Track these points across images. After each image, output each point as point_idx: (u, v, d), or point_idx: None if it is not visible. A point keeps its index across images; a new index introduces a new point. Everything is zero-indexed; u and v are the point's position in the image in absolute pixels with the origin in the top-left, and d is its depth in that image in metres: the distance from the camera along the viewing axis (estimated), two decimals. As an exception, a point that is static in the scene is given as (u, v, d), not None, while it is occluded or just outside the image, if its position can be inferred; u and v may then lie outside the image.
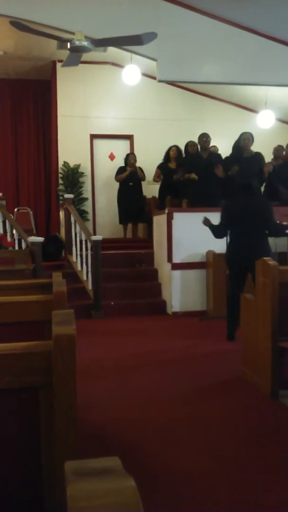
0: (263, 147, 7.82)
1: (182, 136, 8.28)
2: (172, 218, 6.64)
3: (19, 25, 5.35)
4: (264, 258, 3.52)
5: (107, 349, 4.93)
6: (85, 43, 5.55)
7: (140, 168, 8.62)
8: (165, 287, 6.96)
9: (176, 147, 8.07)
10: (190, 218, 6.64)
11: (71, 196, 7.92)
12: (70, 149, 9.37)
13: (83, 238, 6.83)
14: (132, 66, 7.95)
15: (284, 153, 7.75)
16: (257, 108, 9.38)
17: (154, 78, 7.11)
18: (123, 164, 8.71)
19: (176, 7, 6.58)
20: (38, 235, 7.57)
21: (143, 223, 8.99)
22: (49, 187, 10.00)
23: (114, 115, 9.54)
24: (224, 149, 7.84)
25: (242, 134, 6.97)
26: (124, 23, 6.29)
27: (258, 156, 7.03)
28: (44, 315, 2.02)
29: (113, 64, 9.30)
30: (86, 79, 9.27)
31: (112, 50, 8.11)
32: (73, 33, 5.74)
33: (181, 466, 2.42)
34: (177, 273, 6.65)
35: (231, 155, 7.26)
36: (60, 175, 9.41)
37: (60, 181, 9.41)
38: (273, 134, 9.22)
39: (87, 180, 9.49)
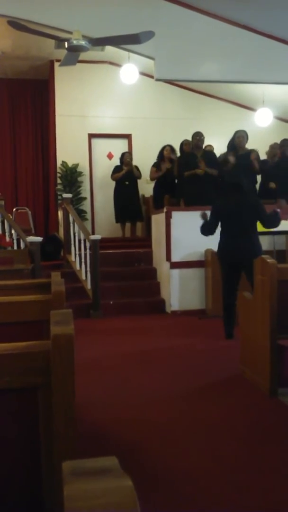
0: (261, 145, 7.83)
1: (180, 135, 8.28)
2: (170, 217, 6.64)
3: (16, 24, 5.34)
4: (262, 256, 3.52)
5: (106, 348, 4.93)
6: (82, 42, 5.54)
7: (136, 166, 8.64)
8: (164, 286, 6.96)
9: (170, 146, 8.09)
10: (188, 217, 6.64)
11: (69, 195, 7.91)
12: (68, 148, 9.37)
13: (82, 238, 6.83)
14: (130, 65, 7.94)
15: (279, 151, 7.76)
16: (255, 106, 9.38)
17: (152, 77, 7.10)
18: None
19: (173, 5, 6.58)
20: (36, 234, 7.57)
21: (140, 222, 8.99)
22: (47, 186, 9.99)
23: (112, 114, 9.54)
24: (223, 148, 7.85)
25: (236, 132, 6.98)
26: (121, 22, 6.28)
27: (253, 153, 7.05)
28: (43, 314, 2.02)
29: (111, 63, 9.29)
30: (84, 78, 9.26)
31: (109, 49, 8.09)
32: (70, 33, 5.73)
33: (181, 466, 2.43)
34: (176, 271, 6.65)
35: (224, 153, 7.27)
36: (58, 175, 9.41)
37: (59, 181, 9.40)
38: (271, 132, 9.22)
39: (85, 180, 9.49)
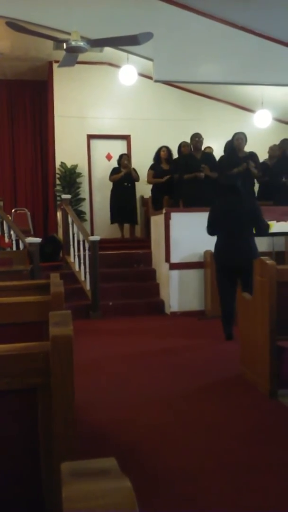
0: (260, 147, 7.84)
1: (179, 136, 8.28)
2: (169, 218, 6.65)
3: (15, 26, 5.34)
4: (261, 258, 3.53)
5: (106, 349, 4.93)
6: (81, 44, 5.54)
7: (133, 169, 8.66)
8: (163, 287, 6.96)
9: (167, 147, 8.09)
10: (187, 218, 6.65)
11: (68, 196, 7.92)
12: (67, 149, 9.37)
13: (81, 239, 6.83)
14: (129, 66, 7.95)
15: (277, 152, 7.77)
16: (254, 108, 9.39)
17: (150, 78, 7.11)
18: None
19: (172, 7, 6.59)
20: (35, 236, 7.56)
21: (134, 224, 9.00)
22: (46, 187, 9.99)
23: (111, 115, 9.54)
24: (222, 149, 7.86)
25: (235, 135, 6.97)
26: (120, 23, 6.29)
27: (253, 156, 7.05)
28: (42, 316, 2.02)
29: (110, 64, 9.30)
30: (82, 79, 9.27)
31: (108, 50, 8.11)
32: (69, 34, 5.73)
33: (180, 466, 2.43)
34: (175, 273, 6.66)
35: (225, 156, 7.27)
36: (57, 176, 9.41)
37: (58, 182, 9.40)
38: (270, 133, 9.22)
39: (84, 181, 9.49)
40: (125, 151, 9.44)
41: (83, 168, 9.48)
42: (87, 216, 9.48)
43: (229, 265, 4.81)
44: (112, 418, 3.08)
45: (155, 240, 7.40)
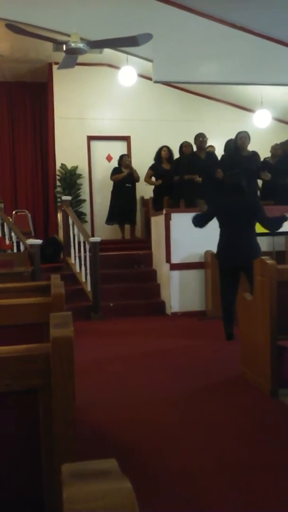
0: (260, 147, 7.83)
1: (179, 137, 8.28)
2: (170, 218, 6.65)
3: (14, 27, 5.35)
4: (262, 257, 3.53)
5: (106, 350, 4.93)
6: (80, 45, 5.55)
7: (134, 169, 8.68)
8: (164, 288, 6.96)
9: (167, 147, 8.08)
10: (188, 219, 6.63)
11: (68, 198, 7.92)
12: (67, 151, 9.38)
13: (82, 240, 6.84)
14: (128, 67, 7.95)
15: (279, 151, 7.76)
16: (254, 108, 9.40)
17: (150, 79, 7.12)
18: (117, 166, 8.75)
19: (171, 8, 6.60)
20: (36, 237, 7.57)
21: (132, 225, 9.00)
22: (46, 189, 10.00)
23: (111, 116, 9.55)
24: (221, 149, 7.86)
25: (238, 134, 6.96)
26: (119, 24, 6.30)
27: (255, 155, 7.05)
28: (43, 317, 2.02)
29: (109, 65, 9.31)
30: (82, 80, 9.28)
31: (108, 52, 8.11)
32: (68, 35, 5.74)
33: (181, 466, 2.43)
34: (175, 273, 6.66)
35: (227, 155, 7.26)
36: (57, 177, 9.42)
37: (58, 183, 9.41)
38: (270, 133, 9.23)
39: (84, 182, 9.50)
40: (125, 152, 9.44)
41: (83, 169, 9.49)
42: (88, 218, 9.49)
43: (231, 265, 4.82)
44: (112, 418, 3.09)
45: (155, 240, 7.41)
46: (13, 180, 10.04)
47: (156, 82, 6.90)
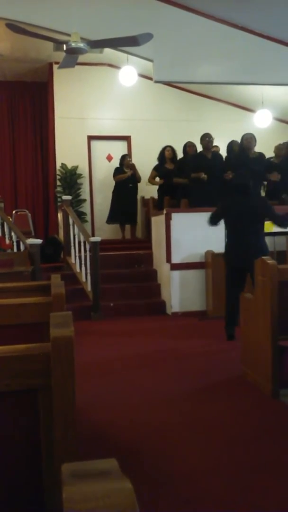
0: (261, 147, 7.82)
1: (180, 137, 8.29)
2: (170, 218, 6.65)
3: (14, 27, 5.35)
4: (263, 257, 3.52)
5: (107, 350, 4.92)
6: (81, 45, 5.54)
7: (136, 169, 8.68)
8: (164, 288, 6.96)
9: (171, 147, 8.07)
10: (188, 219, 6.65)
11: (69, 197, 7.92)
12: (68, 150, 9.38)
13: (82, 240, 6.83)
14: (129, 67, 7.95)
15: (284, 151, 7.75)
16: (254, 108, 9.39)
17: (150, 79, 7.11)
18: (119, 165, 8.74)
19: (172, 7, 6.59)
20: (36, 237, 7.56)
21: (133, 225, 9.00)
22: (47, 189, 10.00)
23: (111, 116, 9.55)
24: (223, 149, 7.86)
25: (244, 135, 6.95)
26: (120, 24, 6.30)
27: (262, 156, 7.05)
28: (43, 317, 2.02)
29: (110, 65, 9.31)
30: (82, 80, 9.28)
31: (108, 51, 8.12)
32: (69, 35, 5.74)
33: (181, 467, 2.42)
34: (176, 273, 6.65)
35: (233, 156, 7.25)
36: (58, 177, 9.42)
37: (58, 183, 9.41)
38: (271, 133, 9.22)
39: (85, 182, 9.50)
40: (126, 152, 9.44)
41: (83, 169, 9.49)
42: (88, 217, 9.49)
43: (239, 265, 4.79)
44: (113, 419, 3.08)
45: (156, 240, 7.40)
46: (13, 179, 10.04)
47: (156, 82, 6.89)
